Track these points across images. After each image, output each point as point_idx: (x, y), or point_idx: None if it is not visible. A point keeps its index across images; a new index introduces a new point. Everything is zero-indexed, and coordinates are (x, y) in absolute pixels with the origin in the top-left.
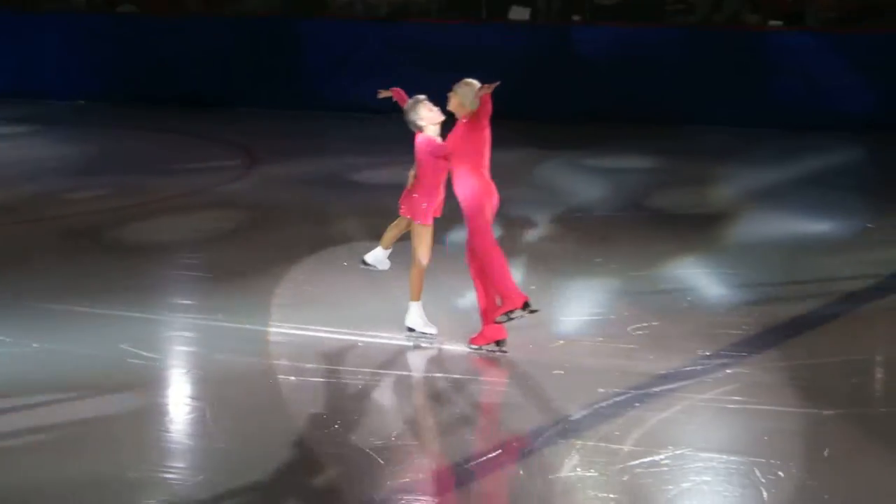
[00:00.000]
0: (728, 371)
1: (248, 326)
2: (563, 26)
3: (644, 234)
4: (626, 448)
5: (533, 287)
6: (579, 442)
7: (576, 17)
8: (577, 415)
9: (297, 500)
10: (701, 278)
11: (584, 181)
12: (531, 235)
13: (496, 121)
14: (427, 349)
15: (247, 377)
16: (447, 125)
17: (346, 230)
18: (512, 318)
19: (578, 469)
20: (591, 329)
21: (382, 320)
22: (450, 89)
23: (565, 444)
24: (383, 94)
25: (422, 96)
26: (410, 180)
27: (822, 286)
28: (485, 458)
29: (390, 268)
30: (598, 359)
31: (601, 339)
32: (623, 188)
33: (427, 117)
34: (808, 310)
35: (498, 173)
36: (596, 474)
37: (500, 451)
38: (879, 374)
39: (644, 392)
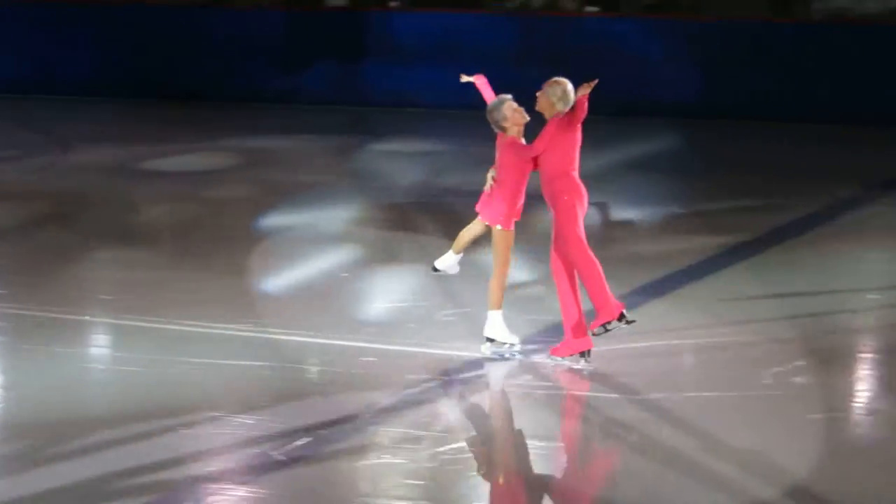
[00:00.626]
0: (537, 357)
1: (58, 315)
2: (382, 13)
3: (454, 220)
4: (433, 434)
5: (345, 274)
6: (388, 429)
7: (394, 3)
8: (386, 401)
9: (94, 489)
10: (512, 264)
11: (397, 168)
12: (345, 222)
13: (316, 108)
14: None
15: (53, 367)
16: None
17: (151, 218)
18: (609, 330)
19: (386, 456)
20: (401, 315)
21: (187, 305)
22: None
23: (374, 430)
24: (466, 78)
25: (507, 95)
26: (489, 183)
27: (631, 272)
28: (292, 445)
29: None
30: (408, 345)
31: (412, 325)
32: (433, 173)
33: (512, 118)
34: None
35: (314, 161)
36: (403, 461)
37: (308, 438)
38: (687, 358)
39: (453, 378)
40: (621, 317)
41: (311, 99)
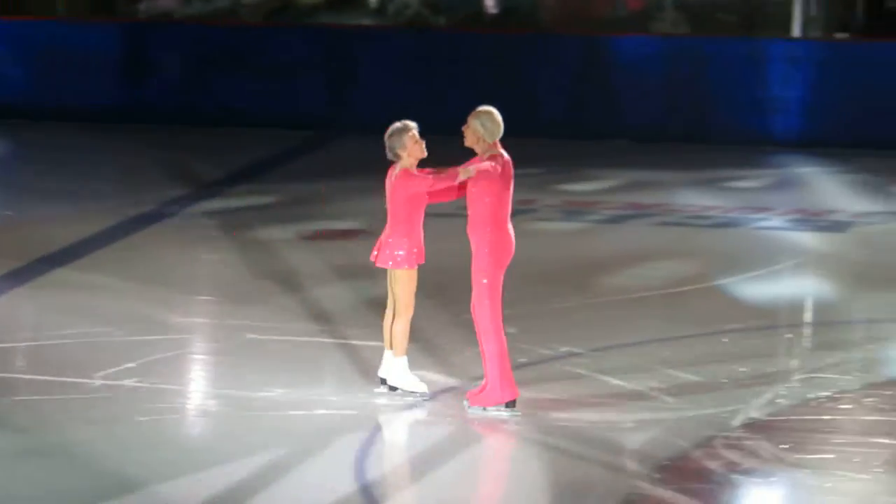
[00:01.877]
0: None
1: None
2: None
3: None
4: None
5: None
6: None
7: None
8: None
9: None
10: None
11: None
12: None
13: None
14: None
15: None
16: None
17: None
18: (487, 411)
19: None
20: None
21: None
22: None
23: None
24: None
25: (412, 123)
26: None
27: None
28: None
29: None
30: None
31: None
32: None
33: (411, 149)
34: None
35: None
36: None
37: None
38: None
39: None
40: (512, 403)
41: None
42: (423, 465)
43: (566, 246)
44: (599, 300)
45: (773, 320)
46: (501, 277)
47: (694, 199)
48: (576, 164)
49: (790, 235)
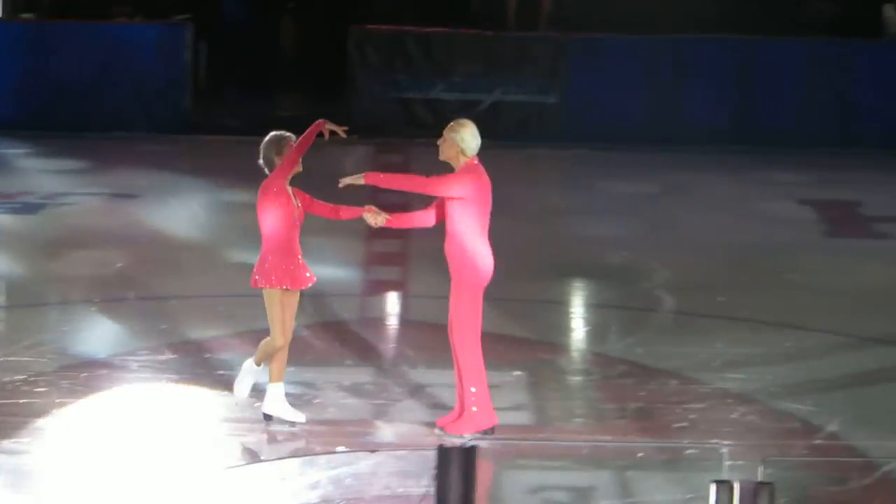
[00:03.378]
0: None
1: None
2: None
3: None
4: None
5: None
6: None
7: None
8: None
9: None
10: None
11: None
12: None
13: None
14: None
15: None
16: None
17: None
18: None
19: None
20: None
21: None
22: None
23: None
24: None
25: (290, 134)
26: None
27: None
28: None
29: None
30: None
31: None
32: None
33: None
34: None
35: None
36: None
37: None
38: None
39: None
40: (491, 430)
41: None
42: None
43: None
44: None
45: None
46: (482, 298)
47: None
48: None
49: None
